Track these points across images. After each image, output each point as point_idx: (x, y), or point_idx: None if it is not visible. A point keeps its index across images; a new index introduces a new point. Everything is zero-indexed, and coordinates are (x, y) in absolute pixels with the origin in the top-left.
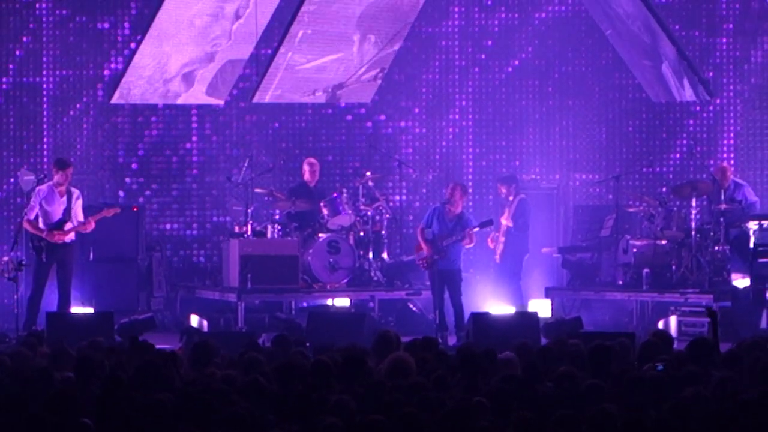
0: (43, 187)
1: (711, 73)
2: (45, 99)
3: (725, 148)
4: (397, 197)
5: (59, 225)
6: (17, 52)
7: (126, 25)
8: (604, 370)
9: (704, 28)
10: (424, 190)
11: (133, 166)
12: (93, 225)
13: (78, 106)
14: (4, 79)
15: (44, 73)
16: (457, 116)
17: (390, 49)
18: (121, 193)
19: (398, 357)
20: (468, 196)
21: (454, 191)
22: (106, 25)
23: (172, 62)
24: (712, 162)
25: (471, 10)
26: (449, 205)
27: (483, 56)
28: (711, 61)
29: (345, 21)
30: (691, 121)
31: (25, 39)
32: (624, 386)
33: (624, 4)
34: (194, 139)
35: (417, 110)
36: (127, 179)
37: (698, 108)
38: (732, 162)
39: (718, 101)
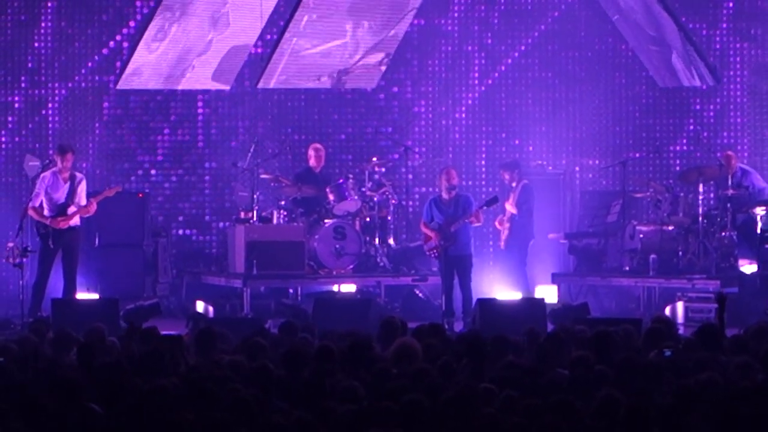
0: (47, 174)
1: (718, 49)
2: (50, 86)
3: (732, 133)
4: (404, 183)
5: (62, 209)
6: (36, 44)
7: (134, 9)
8: (607, 356)
9: (706, 16)
10: (425, 175)
11: (139, 151)
12: (95, 206)
13: (84, 92)
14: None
15: (49, 59)
16: (462, 102)
17: (388, 35)
18: (126, 179)
19: (405, 342)
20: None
21: (450, 175)
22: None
23: (179, 48)
24: (719, 148)
25: None
26: (445, 192)
27: (489, 41)
28: (715, 47)
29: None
30: (698, 107)
31: (34, 24)
32: (628, 372)
33: None
34: (200, 124)
35: (423, 96)
36: (132, 165)
37: (705, 93)
38: (738, 147)
39: (725, 86)
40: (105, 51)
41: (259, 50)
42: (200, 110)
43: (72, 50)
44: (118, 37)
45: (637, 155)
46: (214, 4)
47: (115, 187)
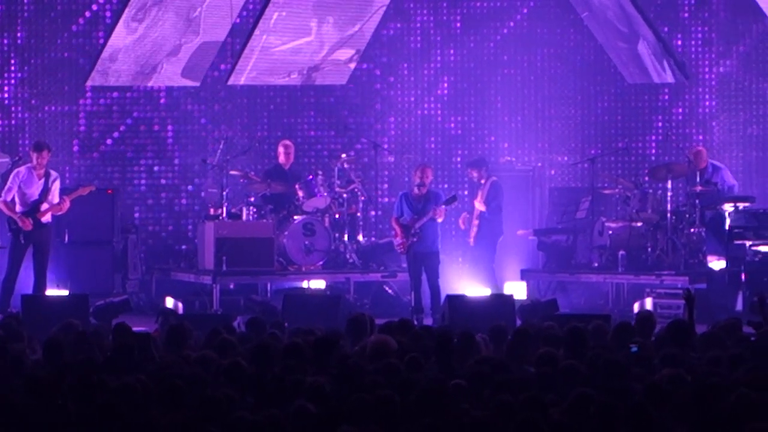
0: (22, 169)
1: (688, 45)
2: (21, 82)
3: (701, 130)
4: (373, 180)
5: (36, 206)
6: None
7: (107, 6)
8: (581, 352)
9: (671, 13)
10: (394, 172)
11: (109, 148)
12: (68, 204)
13: (53, 88)
14: None
15: (21, 56)
16: (433, 99)
17: (355, 31)
18: (96, 176)
19: (381, 339)
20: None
21: (425, 173)
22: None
23: (149, 44)
24: (687, 145)
25: None
26: (418, 188)
27: (459, 39)
28: (689, 44)
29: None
30: (667, 104)
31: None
32: (597, 368)
33: None
34: (169, 121)
35: (393, 93)
36: (103, 161)
37: (674, 90)
38: (707, 144)
39: (693, 83)
40: (75, 48)
41: (229, 47)
42: (170, 107)
43: (42, 45)
44: (87, 32)
45: (606, 152)
46: (189, 3)
47: (89, 185)
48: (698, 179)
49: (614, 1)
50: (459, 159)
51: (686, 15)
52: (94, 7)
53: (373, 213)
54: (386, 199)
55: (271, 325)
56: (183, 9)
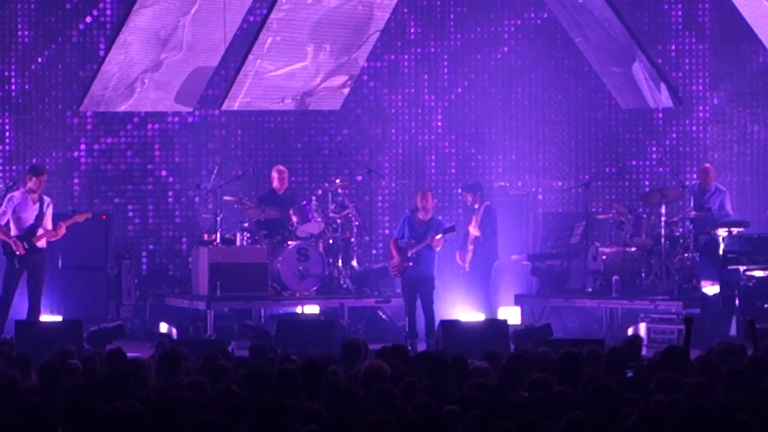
0: (17, 194)
1: (686, 70)
2: (9, 105)
3: (695, 155)
4: (367, 205)
5: (31, 231)
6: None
7: (96, 32)
8: (574, 377)
9: (669, 38)
10: (389, 197)
11: (101, 173)
12: (64, 230)
13: (46, 113)
14: None
15: (12, 78)
16: (427, 123)
17: (350, 58)
18: (88, 201)
19: (375, 365)
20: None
21: (425, 198)
22: (76, 30)
23: (139, 69)
24: (681, 169)
25: (443, 15)
26: (421, 213)
27: (454, 64)
28: (682, 68)
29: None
30: (661, 129)
31: None
32: (592, 393)
33: (600, 7)
34: (163, 146)
35: (387, 118)
36: (95, 187)
37: (668, 115)
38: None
39: (688, 108)
40: (68, 73)
41: (223, 72)
42: (163, 132)
43: (34, 69)
44: (80, 59)
45: (600, 177)
46: (161, 22)
47: (85, 213)
48: (692, 204)
49: (615, 16)
50: (453, 184)
51: (680, 38)
52: (74, 37)
53: (367, 238)
54: (380, 226)
55: (267, 350)
56: (151, 30)
